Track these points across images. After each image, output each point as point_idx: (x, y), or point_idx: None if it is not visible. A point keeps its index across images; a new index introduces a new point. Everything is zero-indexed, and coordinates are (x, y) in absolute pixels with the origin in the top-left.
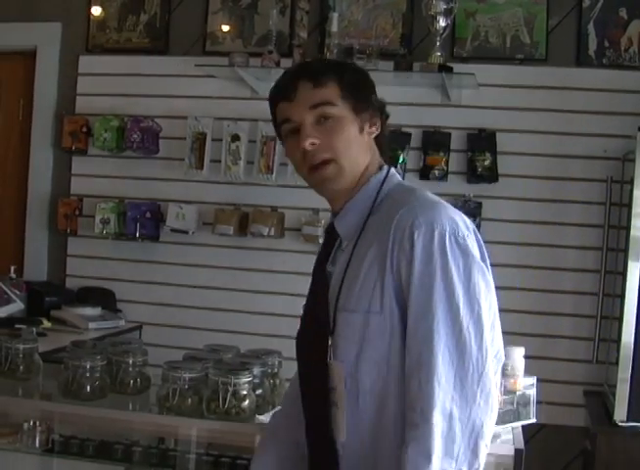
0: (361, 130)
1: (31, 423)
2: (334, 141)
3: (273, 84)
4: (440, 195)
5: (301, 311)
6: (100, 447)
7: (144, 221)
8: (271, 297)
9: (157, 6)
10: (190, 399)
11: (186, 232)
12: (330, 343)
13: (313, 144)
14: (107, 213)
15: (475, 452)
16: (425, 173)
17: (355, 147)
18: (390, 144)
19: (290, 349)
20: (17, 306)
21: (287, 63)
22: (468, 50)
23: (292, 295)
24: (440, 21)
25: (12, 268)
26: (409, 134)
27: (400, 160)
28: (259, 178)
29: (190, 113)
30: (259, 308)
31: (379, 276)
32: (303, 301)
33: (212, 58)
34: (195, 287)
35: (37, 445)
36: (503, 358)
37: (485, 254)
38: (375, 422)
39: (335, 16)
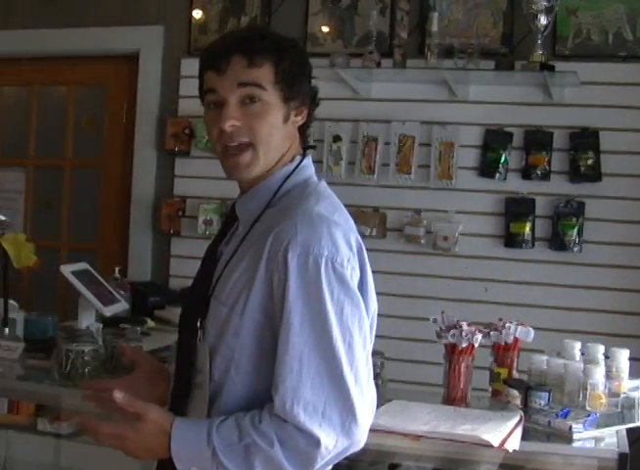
0: (286, 119)
1: None
2: (255, 126)
3: (204, 48)
4: (543, 195)
5: (404, 311)
6: None
7: None
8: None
9: (257, 8)
10: None
11: None
12: (200, 325)
13: (233, 126)
14: (209, 214)
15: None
16: (527, 173)
17: (276, 136)
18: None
19: (392, 349)
20: (121, 306)
21: (387, 63)
22: (570, 48)
23: (393, 295)
24: (541, 19)
25: (116, 269)
26: (511, 134)
27: (502, 160)
28: (361, 179)
29: None
30: None
31: (247, 283)
32: (405, 301)
33: (313, 59)
34: None
35: None
36: (375, 402)
37: (368, 273)
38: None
39: (435, 15)
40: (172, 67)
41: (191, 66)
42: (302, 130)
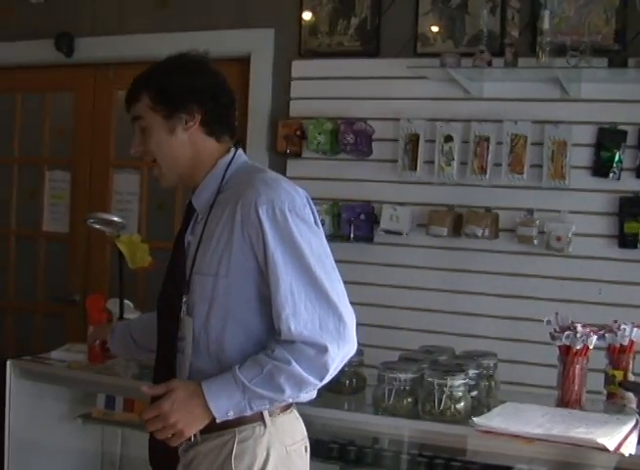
0: (172, 132)
1: None
2: (147, 146)
3: None
4: None
5: (517, 313)
6: (315, 446)
7: (358, 223)
8: (485, 298)
9: (367, 9)
10: (405, 400)
11: (400, 234)
12: (185, 300)
13: (137, 151)
14: (321, 215)
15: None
16: None
17: (166, 147)
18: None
19: (505, 351)
20: None
21: (499, 62)
22: None
23: (506, 296)
24: None
25: None
26: (625, 132)
27: (616, 158)
28: (473, 179)
29: (402, 114)
30: (474, 310)
31: (226, 247)
32: (518, 302)
33: (424, 59)
34: (409, 288)
35: None
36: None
37: (317, 218)
38: (215, 365)
39: (546, 13)
40: (283, 69)
41: (302, 68)
42: (216, 128)
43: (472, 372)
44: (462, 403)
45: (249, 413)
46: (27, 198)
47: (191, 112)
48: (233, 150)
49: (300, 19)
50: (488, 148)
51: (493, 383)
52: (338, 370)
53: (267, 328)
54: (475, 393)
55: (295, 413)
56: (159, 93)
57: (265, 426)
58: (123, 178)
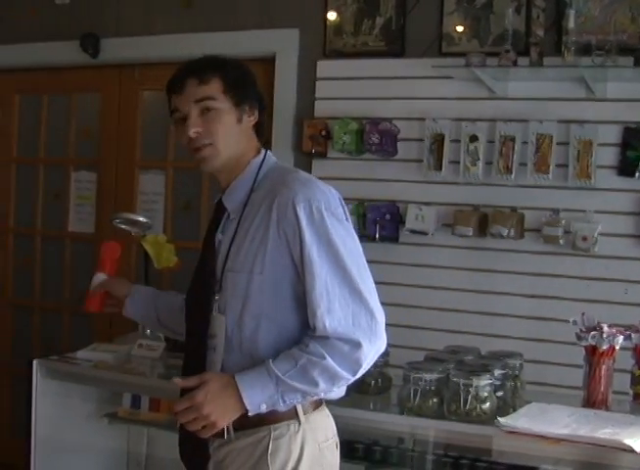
0: (239, 120)
1: None
2: (213, 128)
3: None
4: None
5: (542, 313)
6: (340, 446)
7: (384, 223)
8: (511, 298)
9: (391, 9)
10: (431, 401)
11: (425, 233)
12: (217, 298)
13: (196, 132)
14: None
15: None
16: None
17: (232, 134)
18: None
19: (530, 351)
20: None
21: (524, 61)
22: None
23: (532, 296)
24: None
25: None
26: None
27: None
28: (498, 179)
29: (427, 114)
30: (499, 310)
31: (261, 244)
32: (544, 302)
33: (449, 59)
34: (434, 288)
35: None
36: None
37: (349, 217)
38: (248, 362)
39: (572, 12)
40: (308, 69)
41: (327, 68)
42: (257, 130)
43: (497, 372)
44: (487, 404)
45: (281, 407)
46: (53, 198)
47: (252, 107)
48: (264, 151)
49: (325, 19)
50: (514, 148)
51: (519, 383)
52: (370, 366)
53: (301, 324)
54: (500, 393)
55: (326, 410)
56: (234, 79)
57: (300, 423)
58: (149, 179)
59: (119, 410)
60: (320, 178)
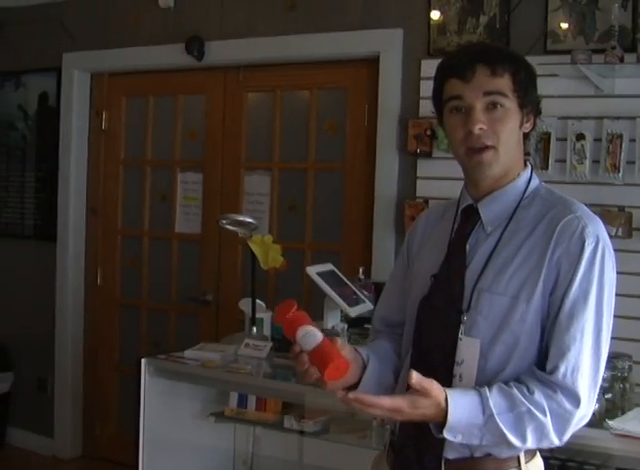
0: (521, 124)
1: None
2: (498, 130)
3: (445, 58)
4: None
5: None
6: None
7: None
8: (618, 298)
9: (495, 7)
10: None
11: None
12: (465, 319)
13: (481, 129)
14: None
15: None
16: None
17: (513, 139)
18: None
19: None
20: (366, 307)
21: (631, 58)
22: None
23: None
24: None
25: (360, 270)
26: None
27: None
28: (606, 177)
29: None
30: None
31: (536, 268)
32: None
33: (554, 56)
34: None
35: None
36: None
37: None
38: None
39: None
40: (412, 68)
41: (431, 67)
42: (525, 138)
43: (605, 374)
44: (596, 406)
45: (475, 444)
46: (160, 199)
47: (530, 112)
48: (530, 165)
49: (429, 18)
50: (621, 146)
51: (628, 385)
52: (568, 437)
53: (535, 362)
54: (609, 395)
55: (539, 457)
56: (524, 78)
57: None
58: (254, 180)
59: (226, 409)
60: (425, 178)
